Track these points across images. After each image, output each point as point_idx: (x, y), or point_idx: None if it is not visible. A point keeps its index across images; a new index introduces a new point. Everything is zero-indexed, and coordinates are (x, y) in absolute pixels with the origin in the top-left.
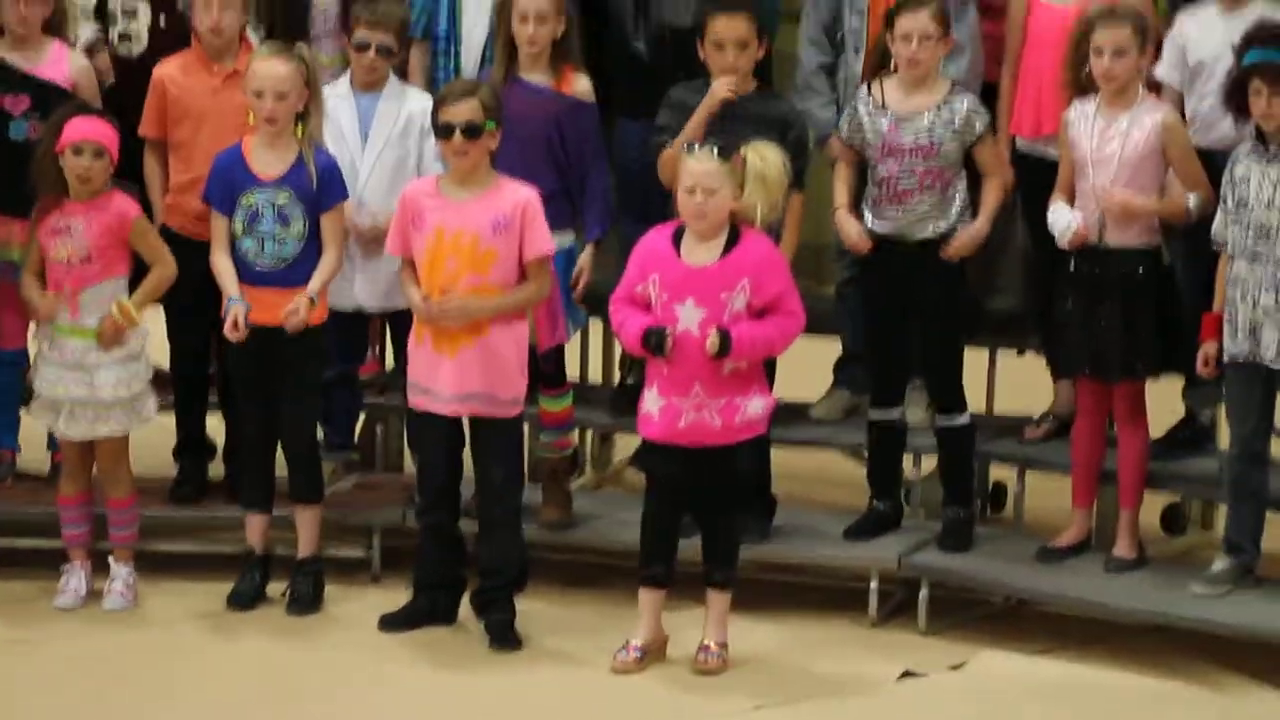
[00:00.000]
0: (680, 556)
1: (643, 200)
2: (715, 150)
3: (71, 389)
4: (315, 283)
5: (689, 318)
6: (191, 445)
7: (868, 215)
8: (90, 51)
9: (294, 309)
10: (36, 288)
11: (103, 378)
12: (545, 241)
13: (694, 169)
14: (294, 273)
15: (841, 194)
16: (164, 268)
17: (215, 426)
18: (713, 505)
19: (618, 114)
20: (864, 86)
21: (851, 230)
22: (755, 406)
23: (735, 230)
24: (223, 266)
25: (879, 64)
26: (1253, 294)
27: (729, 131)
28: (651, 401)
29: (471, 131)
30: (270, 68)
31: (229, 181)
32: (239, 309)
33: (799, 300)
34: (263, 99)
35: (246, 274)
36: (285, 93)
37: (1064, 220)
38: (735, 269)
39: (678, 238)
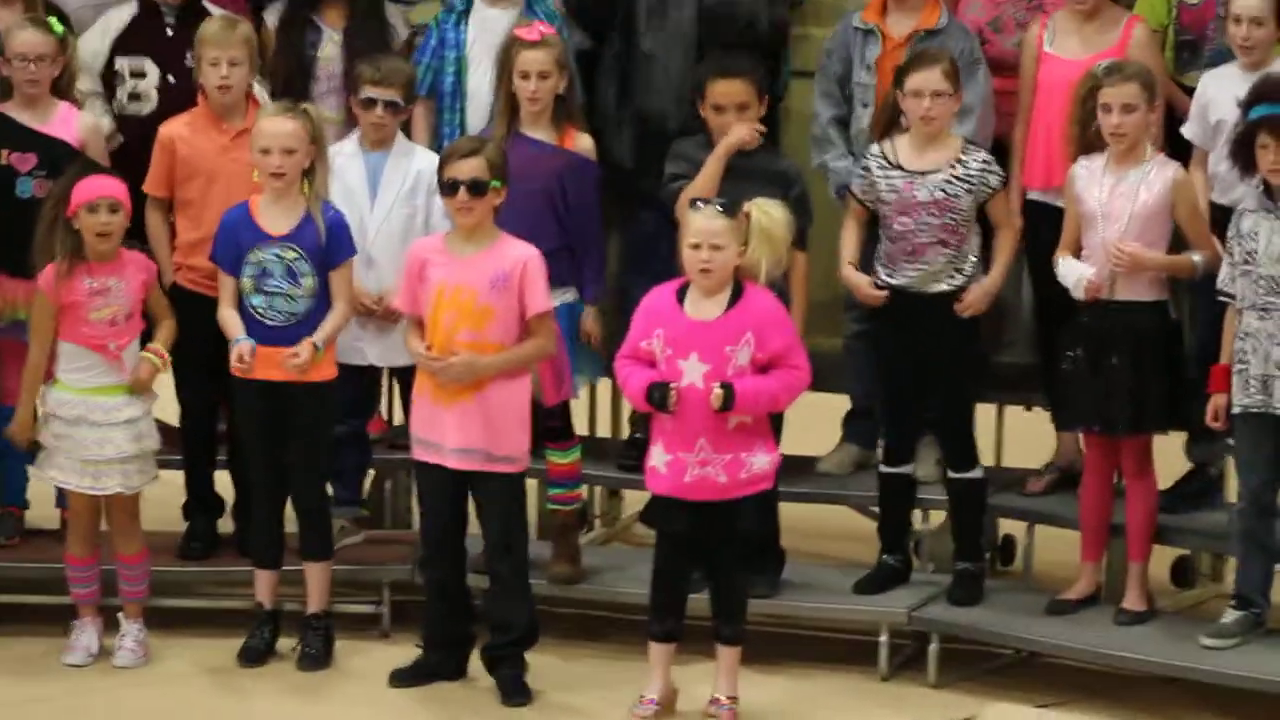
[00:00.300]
0: (691, 609)
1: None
2: (721, 207)
3: (106, 448)
4: (321, 333)
5: (693, 372)
6: (200, 502)
7: (881, 270)
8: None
9: (295, 352)
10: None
11: (128, 432)
12: (544, 299)
13: (700, 225)
14: (304, 329)
15: (848, 250)
16: (172, 321)
17: (225, 482)
18: (719, 560)
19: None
20: (875, 145)
21: (862, 283)
22: (761, 462)
23: (739, 285)
24: (228, 317)
25: (889, 121)
26: (1264, 347)
27: (732, 187)
28: (657, 457)
29: (477, 188)
30: (277, 125)
31: (236, 241)
32: (244, 345)
33: (804, 356)
34: (269, 156)
35: (256, 331)
36: (292, 149)
37: (1075, 273)
38: (739, 323)
39: (681, 294)
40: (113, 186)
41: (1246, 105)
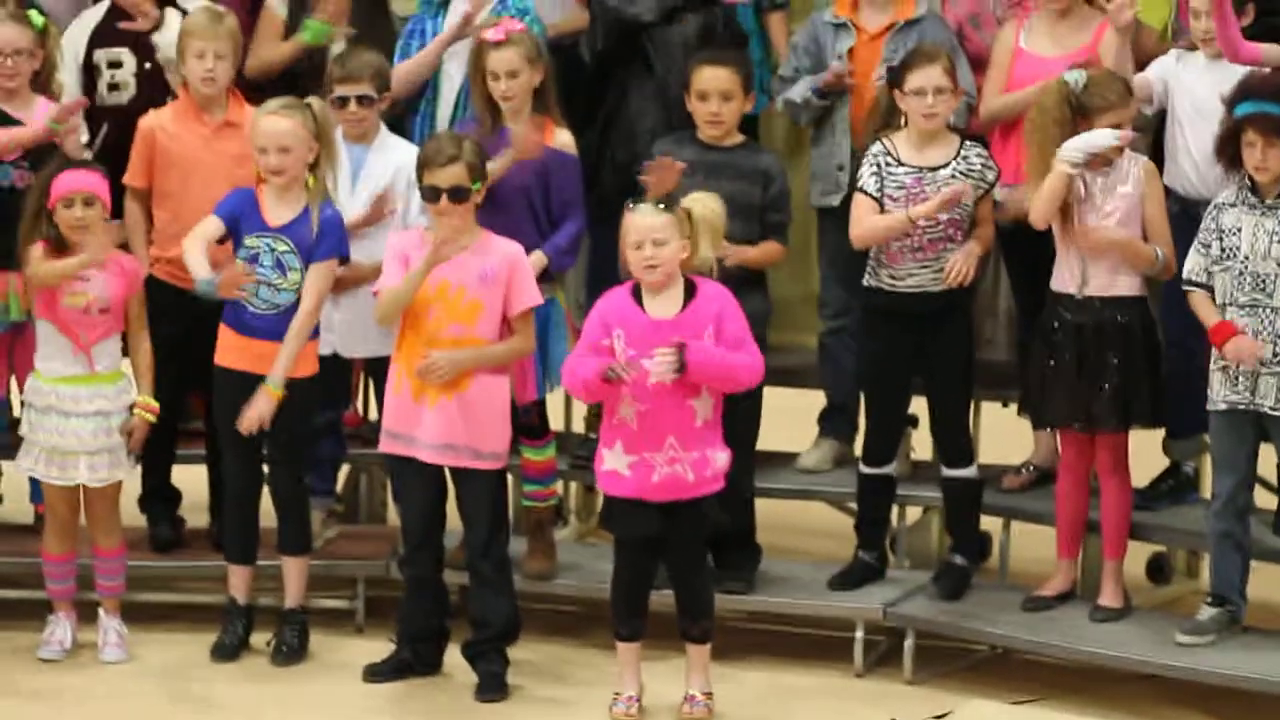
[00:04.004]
0: (665, 605)
1: None
2: (659, 204)
3: (69, 439)
4: (277, 369)
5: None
6: (158, 494)
7: (884, 274)
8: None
9: (252, 407)
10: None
11: (97, 424)
12: (533, 295)
13: (640, 223)
14: (283, 324)
15: (881, 220)
16: (146, 343)
17: (188, 477)
18: (683, 560)
19: None
20: (878, 143)
21: (892, 219)
22: (722, 459)
23: (689, 281)
24: (192, 245)
25: (885, 121)
26: None
27: (710, 183)
28: (616, 460)
29: (457, 195)
30: (272, 123)
31: (239, 214)
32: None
33: (756, 346)
34: (266, 154)
35: (238, 319)
36: (288, 147)
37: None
38: (700, 317)
39: (637, 295)
40: (88, 181)
41: (1232, 102)
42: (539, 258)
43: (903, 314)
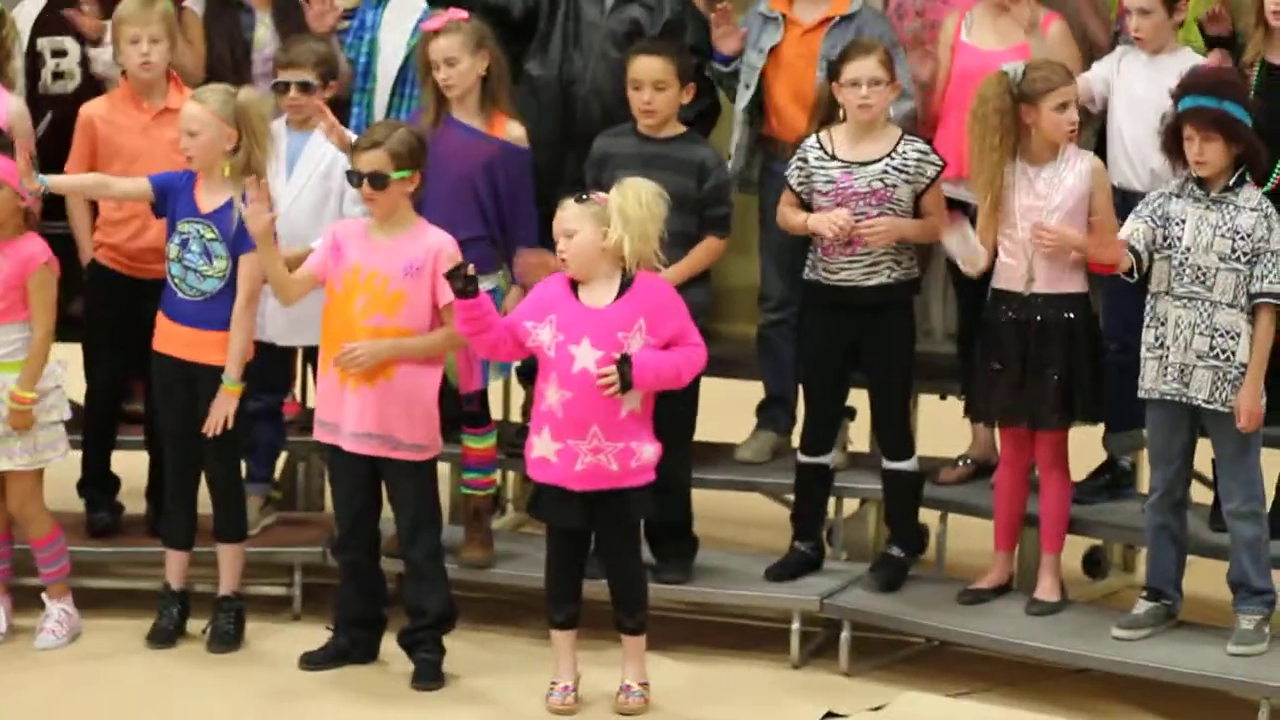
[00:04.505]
0: (600, 595)
1: None
2: (573, 197)
3: None
4: (231, 366)
5: (585, 357)
6: (97, 479)
7: (820, 267)
8: None
9: (214, 408)
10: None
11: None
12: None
13: (558, 215)
14: (210, 310)
15: (798, 215)
16: (39, 329)
17: (128, 463)
18: (612, 551)
19: None
20: (813, 136)
21: (824, 219)
22: (649, 452)
23: (628, 274)
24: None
25: (826, 115)
26: (1185, 335)
27: (648, 175)
28: (544, 446)
29: (376, 181)
30: (186, 108)
31: (172, 189)
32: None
33: (698, 334)
34: (183, 138)
35: (170, 304)
36: (194, 131)
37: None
38: (631, 310)
39: (574, 283)
40: None
41: (1176, 97)
42: (515, 294)
43: (840, 306)
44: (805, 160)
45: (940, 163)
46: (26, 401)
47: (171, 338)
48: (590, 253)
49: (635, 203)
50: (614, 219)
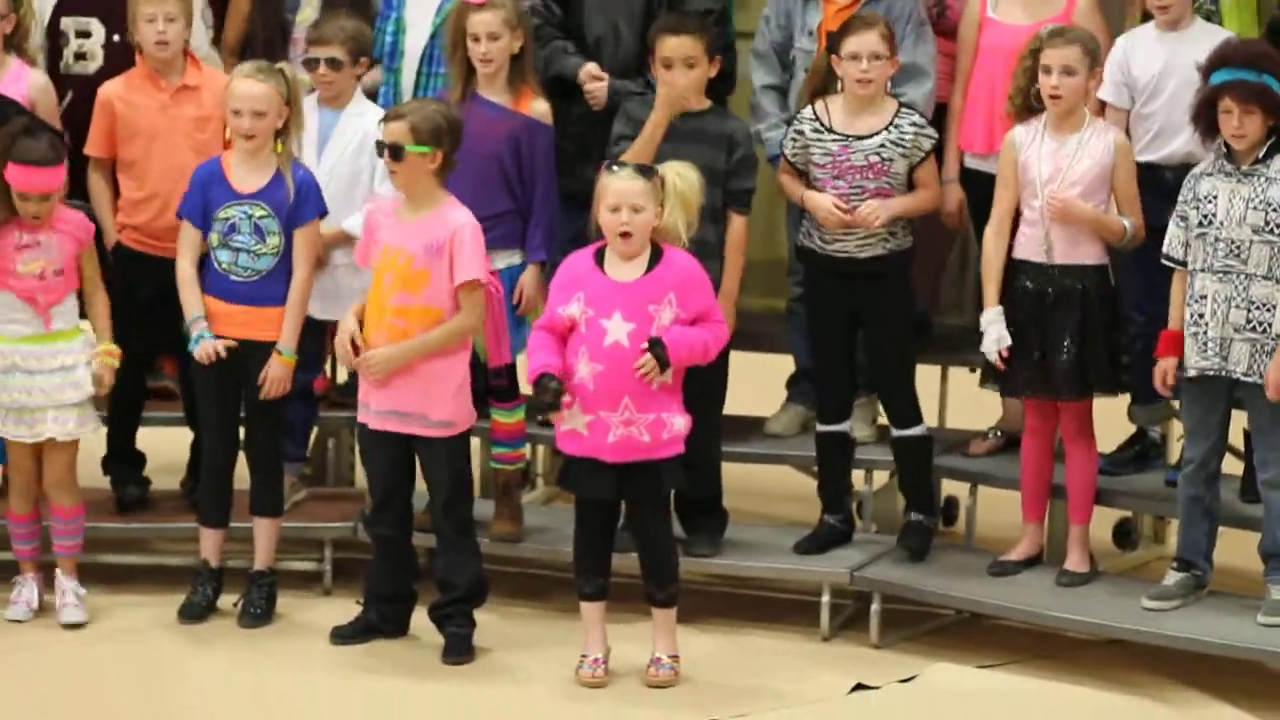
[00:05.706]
0: (630, 569)
1: None
2: (637, 169)
3: (36, 395)
4: (287, 336)
5: (617, 330)
6: (122, 455)
7: (815, 236)
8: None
9: (268, 377)
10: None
11: (62, 379)
12: (470, 267)
13: (618, 187)
14: (266, 288)
15: (798, 187)
16: (103, 294)
17: (162, 441)
18: (643, 523)
19: None
20: (809, 108)
21: (825, 201)
22: (680, 423)
23: (657, 247)
24: (187, 275)
25: (823, 86)
26: (1221, 310)
27: (677, 148)
28: (575, 418)
29: (395, 153)
30: (247, 87)
31: (206, 196)
32: (211, 345)
33: (721, 311)
34: (240, 117)
35: (220, 288)
36: (263, 111)
37: (995, 334)
38: (661, 284)
39: (600, 257)
40: (45, 180)
41: (1208, 69)
42: (532, 272)
43: (836, 274)
44: (801, 132)
45: (934, 135)
46: (117, 355)
47: (222, 318)
48: (649, 230)
49: (695, 189)
50: (672, 201)
